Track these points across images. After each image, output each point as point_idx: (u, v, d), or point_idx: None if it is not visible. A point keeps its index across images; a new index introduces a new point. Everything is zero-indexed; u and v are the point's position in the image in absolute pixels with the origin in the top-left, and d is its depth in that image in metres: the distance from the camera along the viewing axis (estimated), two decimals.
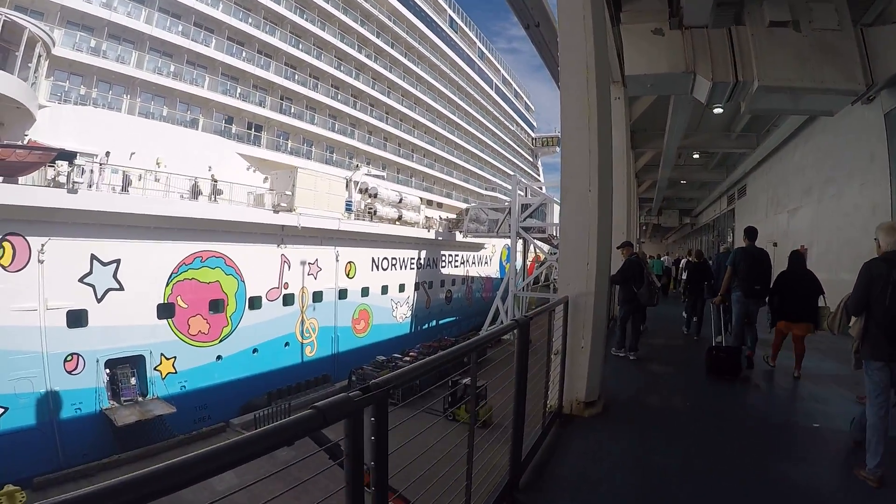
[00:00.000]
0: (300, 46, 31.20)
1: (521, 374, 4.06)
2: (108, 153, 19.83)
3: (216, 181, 22.91)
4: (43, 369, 17.18)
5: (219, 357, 22.63)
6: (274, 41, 29.16)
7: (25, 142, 18.30)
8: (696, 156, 23.99)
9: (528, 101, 79.57)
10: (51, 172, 17.84)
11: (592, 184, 5.80)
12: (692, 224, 41.51)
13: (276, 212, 24.68)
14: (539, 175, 79.75)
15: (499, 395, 4.46)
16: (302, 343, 27.43)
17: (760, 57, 9.45)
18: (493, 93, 61.82)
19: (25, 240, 16.75)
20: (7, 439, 16.12)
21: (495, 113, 62.63)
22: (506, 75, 68.93)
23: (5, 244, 16.35)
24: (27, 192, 16.58)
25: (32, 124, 19.02)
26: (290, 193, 26.17)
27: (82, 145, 19.67)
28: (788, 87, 9.53)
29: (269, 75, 28.88)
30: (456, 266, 44.69)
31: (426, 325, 39.91)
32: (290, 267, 26.35)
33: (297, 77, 30.99)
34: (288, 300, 26.42)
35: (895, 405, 4.32)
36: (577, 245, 5.95)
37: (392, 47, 40.41)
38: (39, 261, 16.97)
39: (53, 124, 19.57)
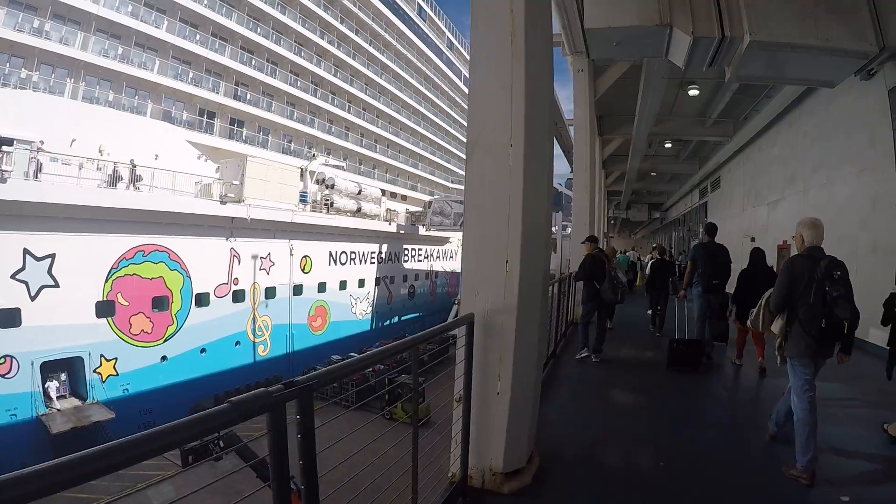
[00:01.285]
0: (258, 30, 30.60)
1: (469, 377, 3.88)
2: (41, 141, 19.05)
3: (135, 166, 21.41)
4: None
5: (164, 358, 21.99)
6: (230, 24, 28.52)
7: None
8: (667, 145, 23.17)
9: None
10: None
11: (516, 135, 3.80)
12: (662, 219, 41.97)
13: (223, 203, 23.99)
14: None
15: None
16: (254, 342, 26.90)
17: (752, 7, 8.19)
18: (461, 84, 61.69)
19: None
20: None
21: (464, 105, 62.28)
22: None
23: None
24: None
25: None
26: (237, 183, 25.45)
27: (20, 131, 18.79)
28: (787, 45, 8.29)
29: (224, 59, 28.27)
30: (419, 261, 44.48)
31: (388, 322, 39.54)
32: (240, 261, 25.71)
33: (253, 62, 30.43)
34: (238, 297, 25.83)
35: None
36: (488, 234, 3.99)
37: (357, 34, 39.98)
38: None
39: None
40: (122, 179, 20.99)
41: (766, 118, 16.24)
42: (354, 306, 35.56)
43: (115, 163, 20.87)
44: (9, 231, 17.09)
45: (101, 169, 20.77)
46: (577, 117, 14.11)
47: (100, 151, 21.33)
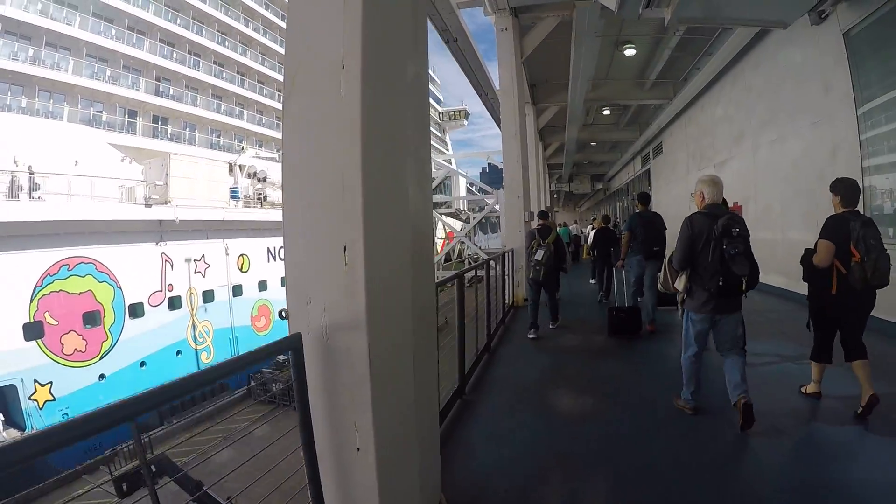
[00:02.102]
0: (178, 21, 29.52)
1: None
2: None
3: (32, 173, 20.25)
4: None
5: (101, 376, 21.30)
6: (147, 16, 27.46)
7: None
8: (606, 111, 22.78)
9: (433, 75, 79.30)
10: None
11: (350, 53, 2.38)
12: (605, 190, 42.75)
13: (148, 205, 23.17)
14: (448, 149, 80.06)
15: None
16: (196, 349, 26.34)
17: None
18: None
19: None
20: None
21: None
22: None
23: None
24: None
25: None
26: (161, 183, 24.61)
27: None
28: None
29: (143, 54, 27.24)
30: None
31: None
32: (173, 266, 24.96)
33: (175, 55, 29.42)
34: (174, 303, 25.17)
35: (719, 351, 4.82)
36: (313, 207, 2.56)
37: (283, 19, 38.96)
38: None
39: None
40: (21, 189, 19.84)
41: (708, 76, 15.59)
42: None
43: (11, 171, 19.67)
44: None
45: (36, 186, 19.85)
46: (502, 80, 13.40)
47: (15, 162, 20.32)
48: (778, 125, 12.13)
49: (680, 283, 4.71)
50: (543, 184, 30.44)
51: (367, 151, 2.38)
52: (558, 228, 14.68)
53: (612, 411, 5.28)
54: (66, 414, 19.59)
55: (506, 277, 11.06)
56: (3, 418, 17.77)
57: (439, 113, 79.60)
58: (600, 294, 12.51)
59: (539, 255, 8.90)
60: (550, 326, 9.35)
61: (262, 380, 20.93)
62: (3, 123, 20.91)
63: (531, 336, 8.77)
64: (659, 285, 5.45)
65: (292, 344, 2.40)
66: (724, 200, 4.78)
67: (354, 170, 2.36)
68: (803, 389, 5.17)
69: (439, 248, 41.68)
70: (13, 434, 18.01)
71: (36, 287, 19.20)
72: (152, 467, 11.21)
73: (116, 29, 26.03)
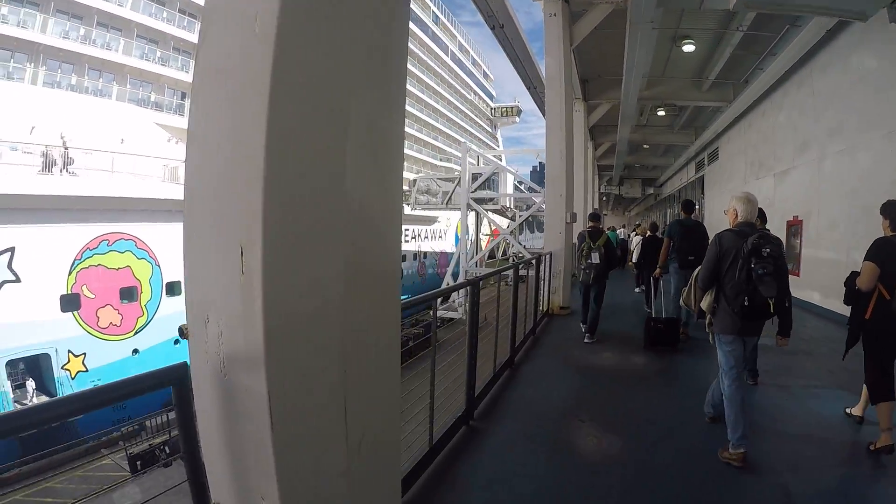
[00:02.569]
0: None
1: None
2: None
3: (67, 147, 20.57)
4: None
5: (135, 351, 21.97)
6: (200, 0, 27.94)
7: None
8: (660, 112, 21.30)
9: (486, 70, 79.04)
10: None
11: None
12: (656, 195, 41.53)
13: None
14: (499, 146, 79.55)
15: None
16: None
17: None
18: (448, 59, 61.11)
19: None
20: None
21: (451, 81, 62.15)
22: (462, 42, 68.12)
23: None
24: None
25: None
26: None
27: None
28: None
29: (194, 37, 27.77)
30: (406, 241, 44.51)
31: None
32: None
33: None
34: None
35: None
36: (207, 197, 1.85)
37: None
38: None
39: None
40: (55, 164, 20.14)
41: (772, 77, 14.39)
42: None
43: (45, 146, 20.08)
44: None
45: (72, 159, 20.53)
46: (549, 67, 12.60)
47: (62, 138, 21.08)
48: (847, 135, 11.18)
49: (704, 303, 4.54)
50: (593, 184, 29.60)
51: (277, 113, 1.58)
52: (607, 232, 14.27)
53: (642, 456, 4.60)
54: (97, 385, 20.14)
55: (541, 282, 10.43)
56: (34, 385, 18.52)
57: (491, 108, 79.10)
58: (647, 310, 12.02)
59: (594, 257, 9.06)
60: (585, 341, 9.03)
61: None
62: (52, 99, 21.69)
63: (586, 341, 9.02)
64: (681, 300, 5.12)
65: (174, 376, 1.85)
66: (764, 216, 5.11)
67: (256, 137, 1.58)
68: (872, 447, 4.52)
69: (483, 245, 41.33)
70: (43, 399, 18.79)
71: (75, 260, 19.91)
72: (166, 448, 11.50)
73: (168, 11, 26.71)
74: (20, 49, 21.76)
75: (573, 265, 11.19)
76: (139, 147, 23.50)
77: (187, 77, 27.68)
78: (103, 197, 20.21)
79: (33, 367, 19.07)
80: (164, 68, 26.55)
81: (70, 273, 19.79)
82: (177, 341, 23.48)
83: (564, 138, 12.05)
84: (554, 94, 12.18)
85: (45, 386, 19.31)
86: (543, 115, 14.68)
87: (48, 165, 19.63)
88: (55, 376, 19.37)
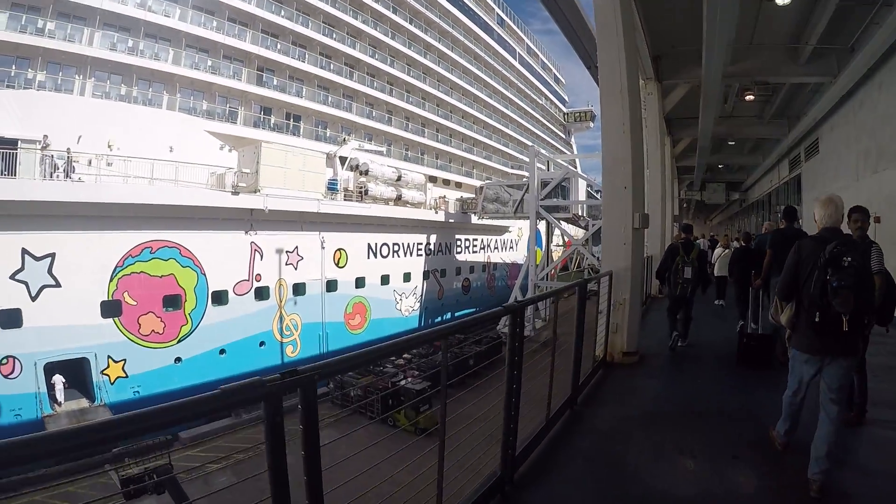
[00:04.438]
0: (282, 13, 31.03)
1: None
2: (45, 137, 20.07)
3: (70, 153, 20.63)
4: None
5: (178, 359, 22.58)
6: (250, 8, 29.01)
7: None
8: (748, 97, 17.97)
9: (557, 74, 78.05)
10: None
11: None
12: (741, 201, 39.08)
13: (235, 193, 24.07)
14: (572, 151, 78.01)
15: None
16: (281, 342, 27.25)
17: None
18: (516, 63, 60.69)
19: None
20: None
21: (520, 85, 61.67)
22: (531, 45, 67.64)
23: None
24: None
25: None
26: (248, 171, 25.47)
27: (24, 131, 20.02)
28: None
29: (245, 45, 28.82)
30: (474, 251, 44.12)
31: (438, 318, 39.14)
32: (262, 256, 25.94)
33: (279, 46, 30.91)
34: (261, 294, 26.16)
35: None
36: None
37: (395, 12, 39.91)
38: None
39: None
40: (57, 169, 20.52)
41: (888, 39, 11.71)
42: (399, 302, 35.53)
43: (50, 152, 20.52)
44: (4, 231, 18.03)
45: (110, 164, 21.59)
46: (600, 11, 8.98)
47: (109, 146, 22.22)
48: None
49: (784, 316, 4.45)
50: (672, 188, 27.60)
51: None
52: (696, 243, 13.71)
53: None
54: (137, 392, 21.09)
55: (598, 315, 8.08)
56: (64, 382, 19.33)
57: (564, 114, 77.78)
58: (740, 323, 11.49)
59: (688, 272, 9.40)
60: (679, 344, 9.64)
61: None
62: (101, 109, 22.96)
63: (679, 344, 9.55)
64: (770, 316, 4.91)
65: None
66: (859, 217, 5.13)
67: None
68: None
69: (554, 256, 40.30)
70: (82, 403, 19.76)
71: (116, 267, 20.72)
72: (154, 475, 11.64)
73: (217, 20, 27.79)
74: (68, 62, 23.18)
75: (646, 289, 10.86)
76: (189, 155, 24.31)
77: (239, 85, 28.74)
78: (147, 204, 20.93)
79: (72, 371, 19.82)
80: (214, 77, 27.52)
81: (111, 280, 20.58)
82: (222, 351, 24.12)
83: (628, 103, 8.71)
84: (608, 42, 8.87)
85: (85, 390, 20.15)
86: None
87: (48, 172, 19.98)
88: (94, 381, 20.11)
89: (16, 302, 18.40)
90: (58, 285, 19.20)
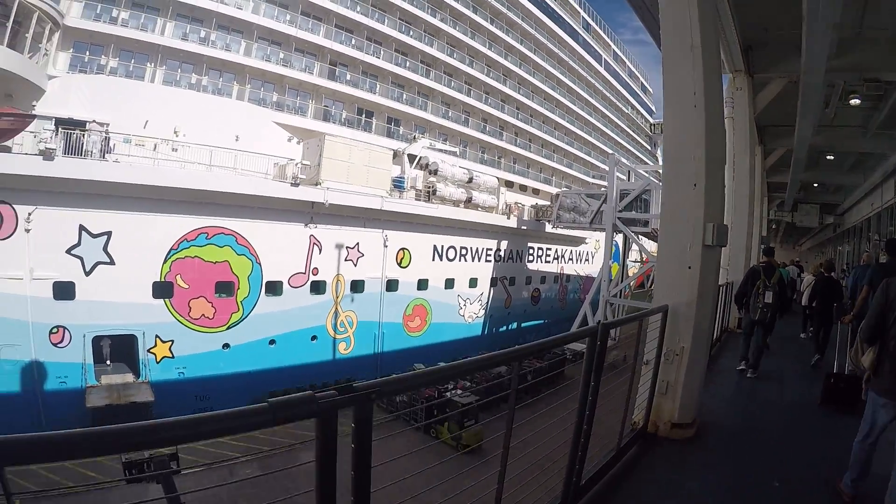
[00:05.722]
0: (357, 8, 31.50)
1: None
2: (106, 123, 21.03)
3: (108, 133, 21.12)
4: (29, 339, 18.78)
5: (226, 345, 23.13)
6: (324, 2, 29.56)
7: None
8: (853, 101, 14.61)
9: (644, 83, 75.84)
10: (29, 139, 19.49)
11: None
12: (836, 225, 35.60)
13: (294, 184, 24.31)
14: (658, 163, 75.02)
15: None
16: (334, 338, 27.41)
17: None
18: (601, 69, 59.20)
19: (12, 208, 18.28)
20: None
21: (605, 92, 60.08)
22: (617, 51, 65.89)
23: None
24: (11, 160, 18.14)
25: (42, 95, 21.00)
26: (308, 163, 25.71)
27: (93, 114, 21.15)
28: None
29: (318, 39, 29.44)
30: (547, 261, 43.25)
31: (504, 328, 38.71)
32: (321, 250, 26.23)
33: (353, 41, 31.47)
34: (317, 288, 26.44)
35: None
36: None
37: (475, 12, 39.78)
38: (25, 230, 18.44)
39: (64, 94, 21.41)
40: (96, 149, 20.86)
41: None
42: (463, 308, 35.11)
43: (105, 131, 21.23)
44: (64, 208, 19.11)
45: (175, 150, 22.51)
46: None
47: (175, 132, 23.21)
48: None
49: (867, 359, 4.30)
50: (761, 206, 25.19)
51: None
52: (782, 270, 12.97)
53: None
54: (182, 373, 21.80)
55: (641, 364, 6.08)
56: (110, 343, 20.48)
57: (650, 125, 74.97)
58: (815, 357, 11.02)
59: (768, 297, 9.21)
60: (749, 375, 9.40)
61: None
62: (169, 96, 24.13)
63: (740, 368, 9.41)
64: (848, 358, 4.64)
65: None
66: None
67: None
68: None
69: (629, 272, 38.78)
70: (127, 378, 20.73)
71: (171, 249, 21.50)
72: (151, 465, 11.84)
73: (291, 14, 28.60)
74: (140, 50, 24.50)
75: (719, 322, 10.56)
76: (256, 145, 24.94)
77: (310, 78, 29.40)
78: (203, 190, 21.58)
79: (120, 346, 20.87)
80: (286, 69, 28.25)
81: (165, 261, 21.38)
82: (272, 341, 24.55)
83: (701, 64, 6.12)
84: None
85: (131, 366, 21.13)
86: None
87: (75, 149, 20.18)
88: (140, 358, 21.01)
89: (70, 275, 19.46)
90: (112, 263, 20.13)
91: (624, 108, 66.45)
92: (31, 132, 19.40)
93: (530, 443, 3.87)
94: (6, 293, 18.36)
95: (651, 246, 35.79)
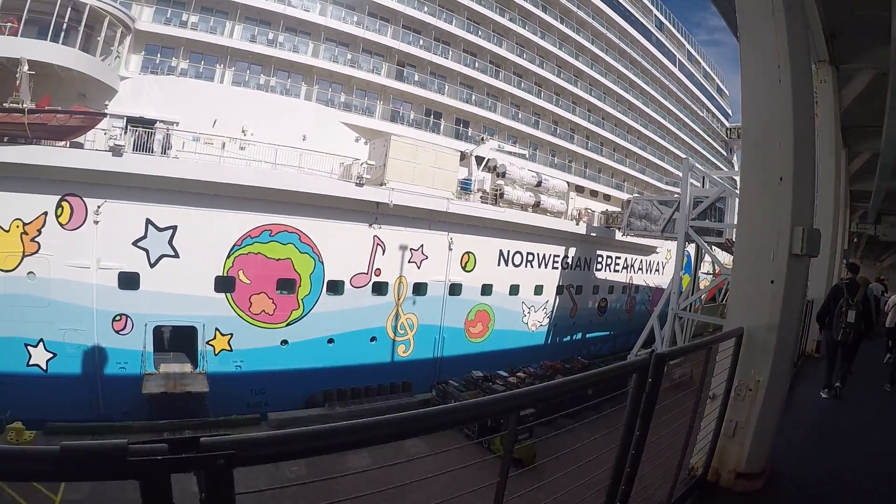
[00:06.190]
0: (424, 9, 31.48)
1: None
2: (175, 122, 22.36)
3: (170, 132, 22.33)
4: (92, 325, 19.93)
5: (284, 342, 23.51)
6: (391, 3, 29.71)
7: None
8: None
9: (721, 85, 72.62)
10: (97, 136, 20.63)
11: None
12: None
13: (359, 184, 24.38)
14: (734, 168, 71.51)
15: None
16: (394, 340, 27.36)
17: None
18: (675, 70, 57.06)
19: (82, 200, 19.39)
20: (53, 383, 19.47)
21: (679, 94, 57.91)
22: (692, 51, 63.21)
23: (64, 204, 19.32)
24: (83, 156, 19.28)
25: (114, 95, 22.31)
26: (373, 163, 25.75)
27: (163, 113, 22.39)
28: None
29: (386, 40, 29.61)
30: (616, 270, 42.04)
31: (567, 338, 37.84)
32: (384, 251, 26.27)
33: (420, 42, 31.48)
34: (379, 289, 26.44)
35: None
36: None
37: (544, 11, 39.04)
38: (94, 221, 19.49)
39: (135, 94, 22.64)
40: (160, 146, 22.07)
41: None
42: (527, 315, 34.47)
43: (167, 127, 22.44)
44: (132, 201, 20.12)
45: (243, 148, 23.08)
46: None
47: (242, 131, 23.80)
48: None
49: None
50: (844, 215, 23.18)
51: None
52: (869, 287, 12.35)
53: None
54: (239, 366, 22.36)
55: (705, 399, 5.15)
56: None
57: (726, 129, 71.60)
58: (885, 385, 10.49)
59: (852, 316, 8.80)
60: (830, 397, 8.92)
61: None
62: (237, 96, 25.00)
63: (824, 396, 8.84)
64: None
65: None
66: None
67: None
68: None
69: (701, 285, 37.19)
70: (185, 368, 21.61)
71: (234, 245, 22.04)
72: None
73: (358, 15, 28.90)
74: (209, 52, 25.59)
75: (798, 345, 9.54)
76: (323, 145, 25.30)
77: (378, 79, 29.59)
78: (268, 188, 22.05)
79: (180, 337, 21.82)
80: (353, 70, 28.52)
81: (228, 257, 21.94)
82: (331, 340, 24.70)
83: (785, 31, 5.06)
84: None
85: (192, 356, 22.00)
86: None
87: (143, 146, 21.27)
88: (199, 349, 21.74)
89: (135, 266, 20.47)
90: (176, 256, 20.95)
91: (699, 111, 63.80)
92: (102, 129, 20.33)
93: (576, 475, 3.35)
94: (73, 280, 19.48)
95: (725, 258, 34.25)
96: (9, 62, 19.62)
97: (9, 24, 19.56)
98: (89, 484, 14.95)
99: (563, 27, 40.65)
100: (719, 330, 5.18)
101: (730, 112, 74.25)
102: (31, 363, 19.58)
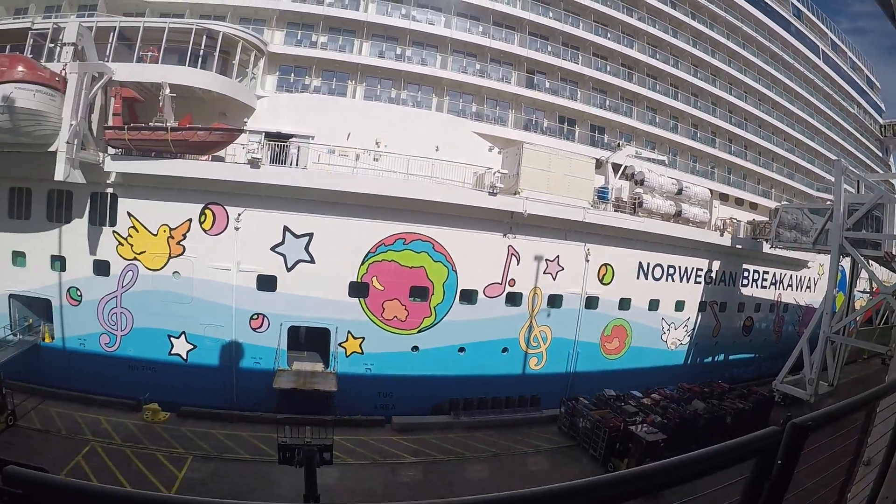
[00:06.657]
0: (550, 14, 31.05)
1: None
2: (310, 136, 24.14)
3: (299, 147, 24.22)
4: (231, 322, 21.97)
5: (415, 348, 23.92)
6: (516, 11, 29.67)
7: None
8: None
9: (871, 76, 65.33)
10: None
11: None
12: None
13: (492, 194, 24.16)
14: (892, 170, 65.03)
15: None
16: (526, 352, 26.87)
17: None
18: (819, 61, 52.18)
19: (224, 209, 21.49)
20: (191, 371, 21.97)
21: (826, 88, 52.84)
22: (836, 40, 57.32)
23: (207, 211, 21.55)
24: (224, 168, 21.66)
25: (251, 113, 24.39)
26: (506, 172, 25.59)
27: (299, 128, 24.26)
28: None
29: (513, 48, 29.51)
30: (763, 287, 38.90)
31: (709, 359, 35.76)
32: (518, 261, 25.94)
33: (549, 48, 31.01)
34: (513, 299, 26.06)
35: None
36: None
37: (674, 7, 37.29)
38: (235, 228, 21.45)
39: (272, 112, 24.59)
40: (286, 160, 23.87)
41: None
42: (666, 333, 32.72)
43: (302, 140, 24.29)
44: (270, 210, 21.82)
45: (377, 159, 23.92)
46: None
47: (376, 143, 24.54)
48: None
49: None
50: None
51: None
52: None
53: None
54: (370, 369, 23.27)
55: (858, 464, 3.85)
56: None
57: (880, 126, 64.38)
58: None
59: None
60: None
61: None
62: (370, 110, 26.32)
63: None
64: None
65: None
66: None
67: None
68: None
69: (856, 305, 33.53)
70: (317, 367, 23.06)
71: (369, 253, 22.78)
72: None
73: (483, 25, 29.10)
74: (340, 69, 27.04)
75: None
76: (455, 154, 25.68)
77: (508, 88, 29.43)
78: (401, 197, 22.68)
79: (313, 338, 23.30)
80: (482, 79, 28.51)
81: (363, 263, 22.75)
82: (462, 349, 24.60)
83: None
84: None
85: (324, 356, 23.38)
86: None
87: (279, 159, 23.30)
88: (331, 350, 22.85)
89: (273, 270, 22.12)
90: (312, 261, 22.20)
91: (849, 107, 57.88)
92: (240, 144, 22.23)
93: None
94: (215, 281, 21.72)
95: (884, 275, 30.77)
96: (153, 87, 21.98)
97: (150, 54, 22.11)
98: (213, 463, 17.15)
99: (695, 23, 38.48)
100: (876, 357, 3.44)
101: (882, 107, 67.27)
102: (172, 352, 22.07)
